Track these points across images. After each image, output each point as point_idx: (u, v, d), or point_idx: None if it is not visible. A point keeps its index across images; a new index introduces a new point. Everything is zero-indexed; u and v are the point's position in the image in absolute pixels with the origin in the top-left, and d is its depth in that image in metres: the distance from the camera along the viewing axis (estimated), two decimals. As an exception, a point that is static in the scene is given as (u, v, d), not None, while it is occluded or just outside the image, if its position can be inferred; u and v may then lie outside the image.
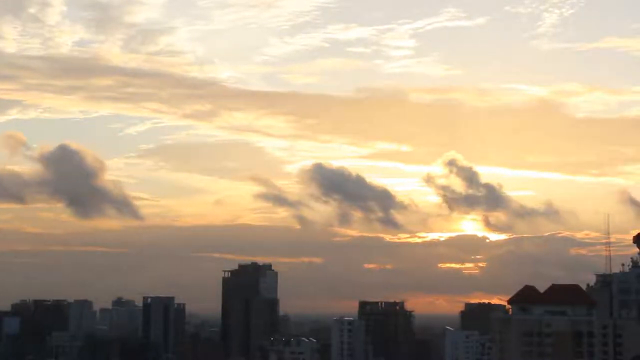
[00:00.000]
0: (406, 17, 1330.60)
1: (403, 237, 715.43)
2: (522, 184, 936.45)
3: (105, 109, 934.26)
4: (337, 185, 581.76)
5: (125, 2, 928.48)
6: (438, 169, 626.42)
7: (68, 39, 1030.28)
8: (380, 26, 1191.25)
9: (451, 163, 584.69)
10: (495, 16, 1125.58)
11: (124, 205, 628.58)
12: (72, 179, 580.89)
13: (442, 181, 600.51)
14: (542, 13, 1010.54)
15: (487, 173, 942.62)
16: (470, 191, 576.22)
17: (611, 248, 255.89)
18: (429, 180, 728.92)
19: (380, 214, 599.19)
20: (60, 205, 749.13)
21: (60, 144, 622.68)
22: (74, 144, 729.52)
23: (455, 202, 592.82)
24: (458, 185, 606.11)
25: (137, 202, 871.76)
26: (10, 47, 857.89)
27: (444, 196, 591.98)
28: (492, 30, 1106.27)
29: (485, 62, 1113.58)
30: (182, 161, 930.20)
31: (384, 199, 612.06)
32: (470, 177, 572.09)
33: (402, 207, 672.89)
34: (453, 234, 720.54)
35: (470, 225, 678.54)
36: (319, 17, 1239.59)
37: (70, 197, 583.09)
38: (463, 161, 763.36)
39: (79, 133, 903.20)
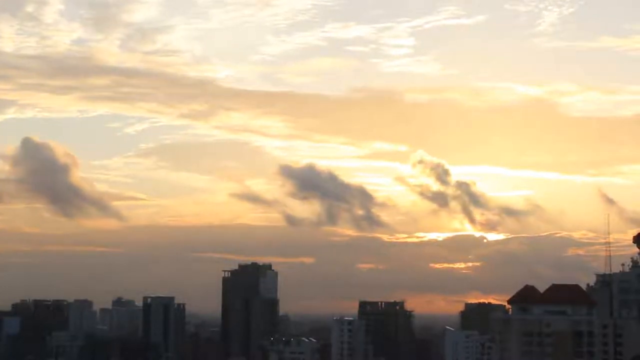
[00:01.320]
0: (405, 16, 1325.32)
1: (401, 237, 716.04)
2: (518, 183, 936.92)
3: (103, 109, 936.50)
4: (335, 185, 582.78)
5: (123, 1, 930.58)
6: (435, 168, 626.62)
7: (65, 37, 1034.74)
8: (378, 24, 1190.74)
9: (420, 161, 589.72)
10: (494, 14, 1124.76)
11: (123, 205, 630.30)
12: (70, 179, 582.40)
13: (437, 180, 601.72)
14: (541, 11, 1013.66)
15: (483, 173, 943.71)
16: (466, 191, 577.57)
17: (610, 248, 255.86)
18: (401, 179, 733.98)
19: (377, 214, 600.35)
20: (59, 206, 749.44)
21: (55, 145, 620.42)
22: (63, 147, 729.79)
23: (450, 202, 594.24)
24: (453, 185, 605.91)
25: (136, 202, 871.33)
26: (7, 46, 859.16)
27: (436, 196, 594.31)
28: (492, 28, 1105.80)
29: (484, 61, 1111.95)
30: (180, 161, 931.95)
31: (383, 200, 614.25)
32: (465, 177, 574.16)
33: (401, 207, 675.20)
34: (451, 234, 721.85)
35: (468, 225, 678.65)
36: (317, 15, 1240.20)
37: (69, 197, 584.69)
38: (459, 161, 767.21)
39: (77, 133, 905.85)
